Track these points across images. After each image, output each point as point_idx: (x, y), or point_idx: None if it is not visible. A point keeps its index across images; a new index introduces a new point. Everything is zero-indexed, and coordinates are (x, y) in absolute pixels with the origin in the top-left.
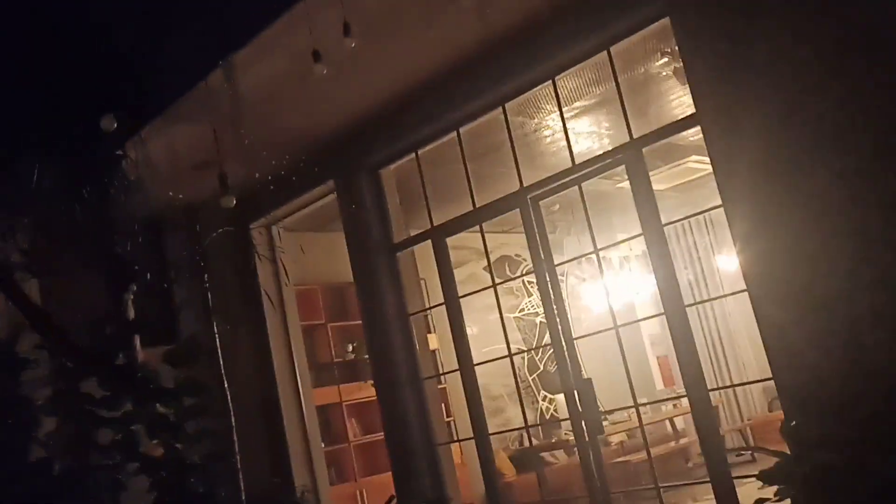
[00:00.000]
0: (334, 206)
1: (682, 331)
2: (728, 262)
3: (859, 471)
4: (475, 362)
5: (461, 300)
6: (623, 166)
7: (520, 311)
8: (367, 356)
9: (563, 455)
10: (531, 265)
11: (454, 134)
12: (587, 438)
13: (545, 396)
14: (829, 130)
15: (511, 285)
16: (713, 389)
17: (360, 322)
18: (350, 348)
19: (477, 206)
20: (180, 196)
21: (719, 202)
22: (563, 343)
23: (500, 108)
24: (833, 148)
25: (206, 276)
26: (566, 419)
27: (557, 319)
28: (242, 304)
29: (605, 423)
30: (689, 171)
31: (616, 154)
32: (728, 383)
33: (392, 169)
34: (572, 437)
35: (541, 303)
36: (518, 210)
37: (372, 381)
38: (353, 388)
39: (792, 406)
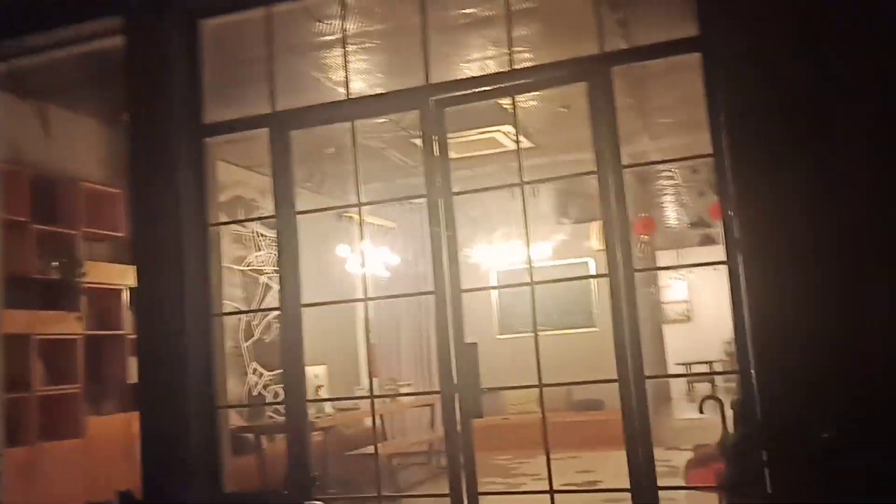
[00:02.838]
0: (80, 69)
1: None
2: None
3: None
4: None
5: None
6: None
7: (246, 265)
8: (80, 276)
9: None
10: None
11: None
12: (458, 420)
13: (255, 369)
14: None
15: (241, 233)
16: (650, 378)
17: (74, 232)
18: (56, 264)
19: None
20: None
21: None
22: (449, 296)
23: None
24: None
25: None
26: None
27: (446, 265)
28: None
29: (327, 412)
30: (492, 142)
31: (576, 66)
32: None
33: (219, 23)
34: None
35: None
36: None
37: (79, 314)
38: (50, 319)
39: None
